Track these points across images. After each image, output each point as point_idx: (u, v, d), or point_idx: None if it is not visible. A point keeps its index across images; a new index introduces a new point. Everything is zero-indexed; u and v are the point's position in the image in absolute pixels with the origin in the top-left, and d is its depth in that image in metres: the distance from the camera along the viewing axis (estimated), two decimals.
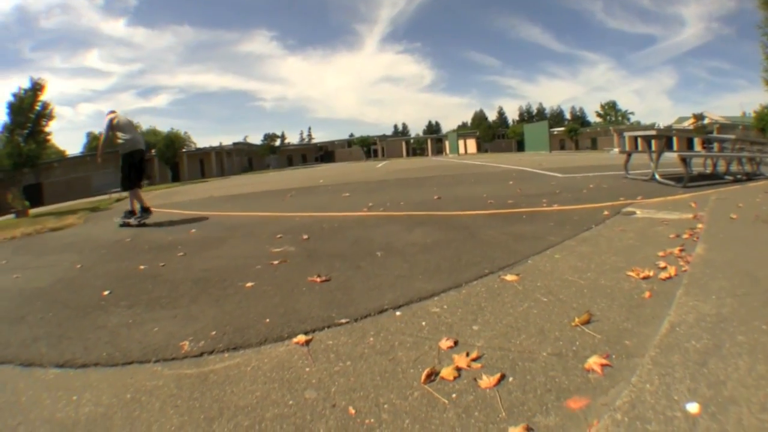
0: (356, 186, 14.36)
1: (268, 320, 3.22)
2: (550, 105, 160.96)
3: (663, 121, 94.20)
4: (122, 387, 2.54)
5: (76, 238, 9.75)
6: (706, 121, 67.77)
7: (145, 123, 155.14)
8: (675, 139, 69.33)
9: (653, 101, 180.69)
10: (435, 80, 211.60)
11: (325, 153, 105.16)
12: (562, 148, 77.88)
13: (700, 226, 4.62)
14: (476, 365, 2.05)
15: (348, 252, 5.19)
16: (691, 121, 69.96)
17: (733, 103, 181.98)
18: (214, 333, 3.10)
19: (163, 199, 19.39)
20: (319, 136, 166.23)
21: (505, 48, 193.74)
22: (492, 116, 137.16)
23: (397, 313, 3.08)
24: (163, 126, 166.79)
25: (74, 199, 40.02)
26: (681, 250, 3.67)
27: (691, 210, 5.74)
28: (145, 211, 11.02)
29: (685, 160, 9.43)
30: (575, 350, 2.16)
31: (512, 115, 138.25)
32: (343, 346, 2.66)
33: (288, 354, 2.66)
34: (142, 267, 5.53)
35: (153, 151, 68.68)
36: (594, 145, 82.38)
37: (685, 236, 4.25)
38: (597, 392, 1.84)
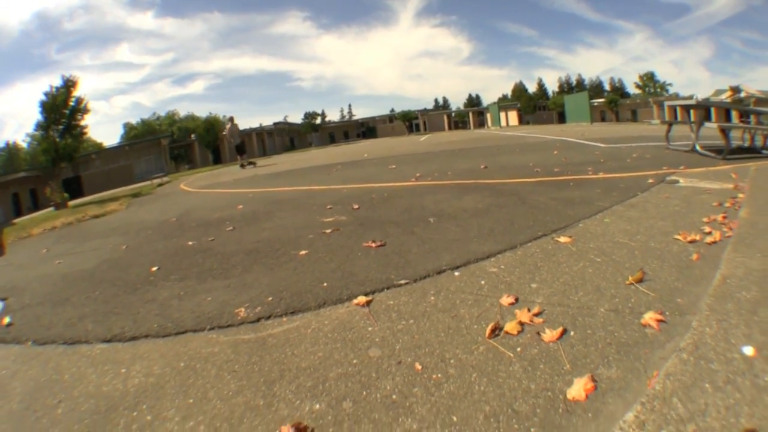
0: (402, 158, 14.30)
1: (325, 284, 3.26)
2: (588, 76, 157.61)
3: (701, 93, 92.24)
4: (175, 356, 2.59)
5: (120, 222, 9.87)
6: (742, 95, 66.46)
7: (183, 110, 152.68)
8: (713, 111, 68.01)
9: (691, 72, 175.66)
10: (473, 53, 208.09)
11: (367, 129, 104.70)
12: (603, 119, 76.66)
13: (741, 195, 4.55)
14: (538, 320, 2.10)
15: (400, 219, 5.19)
16: (728, 93, 68.37)
17: (767, 75, 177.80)
18: (270, 299, 3.14)
19: (207, 180, 19.74)
20: (360, 113, 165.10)
21: (541, 18, 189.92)
22: (532, 88, 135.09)
23: (456, 273, 3.07)
24: (202, 111, 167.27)
25: (115, 188, 40.23)
26: (724, 217, 3.65)
27: (732, 180, 5.61)
28: (244, 164, 21.60)
29: (724, 131, 9.28)
30: (631, 307, 2.20)
31: (552, 87, 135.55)
32: (405, 305, 2.67)
33: (349, 315, 2.68)
34: (190, 243, 5.64)
35: (192, 136, 69.66)
36: (634, 117, 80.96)
37: (727, 204, 4.21)
38: (654, 346, 1.87)
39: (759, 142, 11.56)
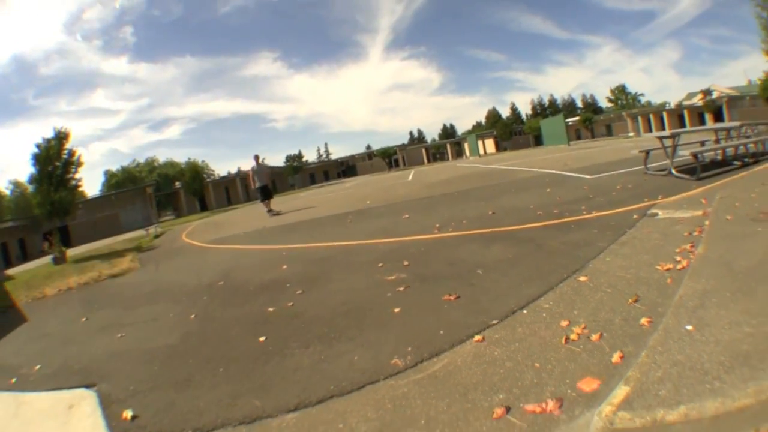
0: (407, 205, 14.92)
1: (441, 332, 4.11)
2: (560, 95, 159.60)
3: (672, 98, 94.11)
4: (376, 403, 3.18)
5: (152, 285, 10.04)
6: (714, 95, 67.93)
7: (160, 155, 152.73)
8: (687, 114, 69.94)
9: (661, 77, 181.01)
10: (444, 82, 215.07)
11: (346, 168, 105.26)
12: (578, 137, 78.13)
13: (707, 223, 5.98)
14: (585, 331, 3.50)
15: (453, 272, 5.96)
16: (700, 96, 70.12)
17: (737, 70, 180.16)
18: (409, 349, 3.88)
19: (211, 233, 19.92)
20: (336, 151, 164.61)
21: (508, 42, 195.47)
22: (505, 112, 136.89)
23: (524, 311, 4.21)
24: (179, 156, 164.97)
25: (103, 237, 40.47)
26: (692, 246, 5.07)
27: (701, 206, 7.06)
28: (272, 211, 20.17)
29: (696, 156, 10.77)
30: (633, 317, 3.63)
31: (525, 109, 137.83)
32: (506, 336, 3.77)
33: (476, 348, 3.67)
34: (270, 309, 5.90)
35: (177, 184, 69.66)
36: (609, 132, 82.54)
37: (695, 233, 5.60)
38: (648, 333, 3.24)
39: (730, 152, 13.18)
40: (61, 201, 22.13)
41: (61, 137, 22.40)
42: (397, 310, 4.94)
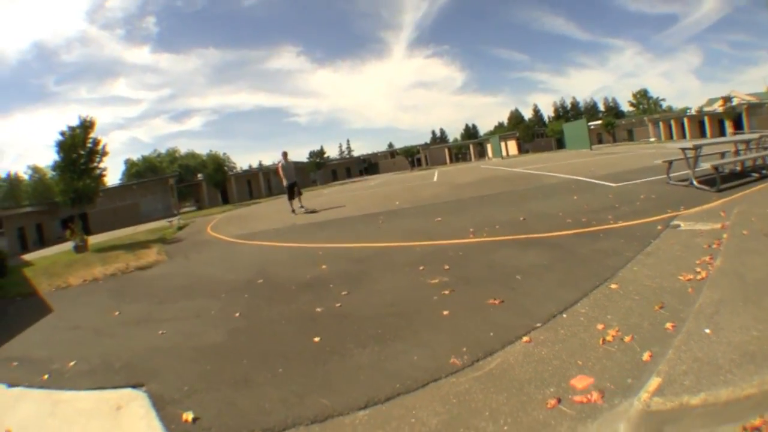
0: (437, 207, 15.14)
1: (491, 333, 4.43)
2: (582, 97, 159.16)
3: (693, 103, 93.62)
4: (445, 398, 3.45)
5: (184, 279, 10.15)
6: (735, 102, 67.74)
7: (181, 146, 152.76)
8: (707, 121, 69.74)
9: (682, 82, 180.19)
10: (467, 81, 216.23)
11: (369, 165, 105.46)
12: (600, 141, 77.87)
13: (725, 236, 6.48)
14: (619, 333, 4.00)
15: (493, 277, 6.31)
16: (720, 103, 69.95)
17: (757, 77, 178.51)
18: (464, 349, 4.16)
19: (238, 228, 19.89)
20: (357, 147, 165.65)
21: (531, 42, 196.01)
22: (528, 114, 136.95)
23: (564, 315, 4.61)
24: (200, 148, 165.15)
25: (122, 226, 40.96)
26: (711, 258, 5.60)
27: (720, 219, 7.56)
28: (303, 207, 20.04)
29: (716, 168, 11.20)
30: (659, 321, 4.15)
31: (547, 111, 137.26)
32: (550, 338, 4.16)
33: (525, 348, 4.06)
34: (318, 309, 6.04)
35: (200, 175, 69.66)
36: (630, 137, 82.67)
37: (714, 245, 6.11)
38: (674, 335, 3.72)
39: (749, 164, 13.62)
40: (85, 189, 22.17)
41: (86, 126, 22.48)
42: (445, 312, 5.19)
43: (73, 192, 21.87)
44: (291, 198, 20.67)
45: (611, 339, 3.98)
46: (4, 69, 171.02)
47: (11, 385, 5.27)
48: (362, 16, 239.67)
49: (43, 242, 51.18)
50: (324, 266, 8.56)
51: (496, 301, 5.28)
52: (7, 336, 7.65)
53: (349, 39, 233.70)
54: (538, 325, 4.53)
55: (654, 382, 3.09)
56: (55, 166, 22.94)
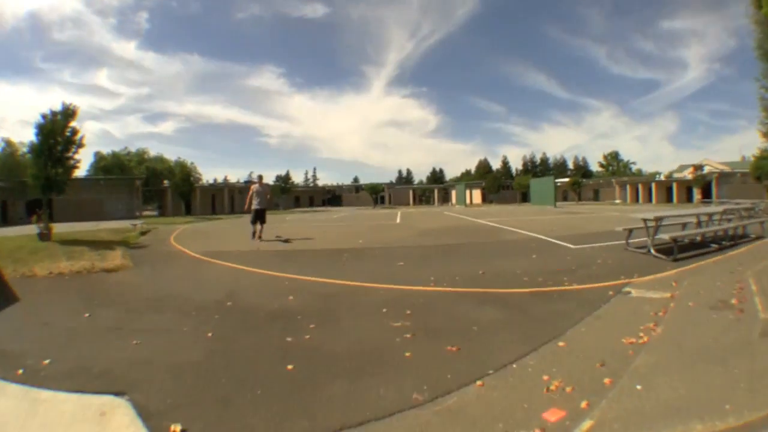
0: (400, 251, 15.52)
1: (449, 376, 4.83)
2: (553, 154, 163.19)
3: (664, 168, 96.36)
4: (405, 427, 3.87)
5: (152, 290, 10.23)
6: (705, 170, 69.80)
7: (152, 148, 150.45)
8: (675, 187, 71.80)
9: (655, 147, 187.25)
10: (440, 126, 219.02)
11: (333, 197, 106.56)
12: (565, 199, 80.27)
13: (672, 305, 7.20)
14: (562, 384, 4.50)
15: (452, 326, 6.68)
16: (691, 170, 72.15)
17: (733, 145, 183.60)
18: (425, 387, 4.59)
19: (202, 243, 20.03)
20: (323, 177, 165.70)
21: (510, 95, 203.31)
22: (496, 164, 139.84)
23: (514, 365, 5.10)
24: (170, 153, 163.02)
25: (84, 220, 40.84)
26: (655, 325, 6.25)
27: (671, 289, 8.29)
28: (260, 238, 19.54)
29: (675, 240, 12.07)
30: (599, 377, 4.66)
31: (516, 164, 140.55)
32: (501, 383, 4.67)
33: (478, 390, 4.53)
34: (288, 339, 6.28)
35: (166, 182, 69.56)
36: (596, 197, 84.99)
37: (660, 314, 6.79)
38: (608, 390, 4.28)
39: (710, 235, 14.45)
40: (57, 177, 22.04)
41: (68, 113, 22.37)
42: (408, 354, 5.57)
43: (45, 179, 21.79)
44: (254, 222, 20.25)
45: (554, 388, 4.46)
46: None
47: None
48: (348, 48, 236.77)
49: (6, 221, 50.55)
50: (291, 297, 8.80)
51: (454, 348, 5.69)
52: None
53: (331, 69, 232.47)
54: (491, 371, 4.97)
55: (586, 425, 3.67)
56: (32, 149, 22.78)
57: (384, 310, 7.64)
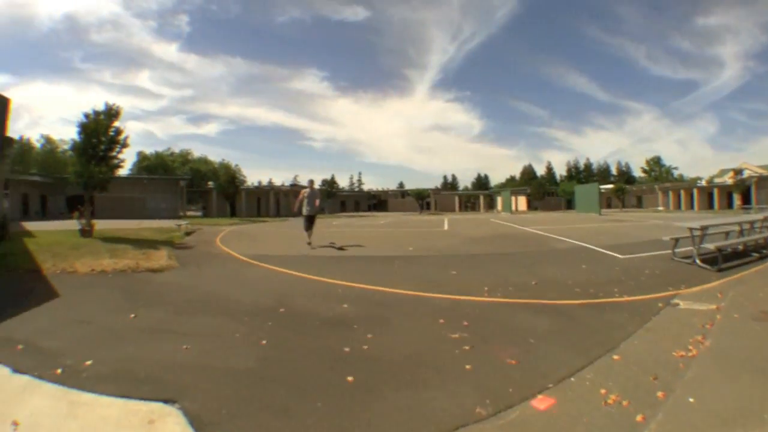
0: (452, 260, 15.16)
1: (511, 389, 4.78)
2: (596, 159, 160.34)
3: (705, 172, 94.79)
4: None
5: (200, 293, 9.89)
6: (745, 174, 68.50)
7: (196, 149, 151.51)
8: (716, 193, 70.49)
9: (696, 150, 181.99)
10: (484, 130, 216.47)
11: (378, 202, 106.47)
12: (609, 206, 79.26)
13: (718, 317, 7.33)
14: (618, 398, 4.65)
15: (509, 338, 6.56)
16: (731, 175, 70.84)
17: None
18: (488, 401, 4.52)
19: (249, 246, 19.80)
20: (368, 181, 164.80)
21: (552, 98, 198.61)
22: (540, 170, 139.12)
23: (572, 379, 5.10)
24: (213, 155, 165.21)
25: (125, 218, 41.63)
26: (703, 338, 6.38)
27: (716, 301, 8.37)
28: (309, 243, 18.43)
29: (720, 250, 12.11)
30: (652, 390, 4.80)
31: (560, 169, 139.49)
32: (561, 396, 4.67)
33: (539, 404, 4.52)
34: (346, 349, 6.09)
35: (210, 183, 70.48)
36: (640, 203, 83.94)
37: (708, 326, 6.90)
38: (662, 403, 4.46)
39: (751, 244, 14.39)
40: (100, 176, 22.19)
41: (111, 113, 22.67)
42: (468, 366, 5.45)
43: (88, 176, 21.95)
44: (308, 229, 19.09)
45: (612, 402, 4.57)
46: (34, 32, 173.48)
47: (17, 370, 5.17)
48: (390, 51, 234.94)
49: (45, 214, 51.72)
50: (345, 305, 8.51)
51: (513, 361, 5.63)
52: (9, 312, 7.58)
53: (374, 72, 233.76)
54: (550, 385, 4.94)
55: None
56: (74, 146, 23.15)
57: (441, 320, 7.46)
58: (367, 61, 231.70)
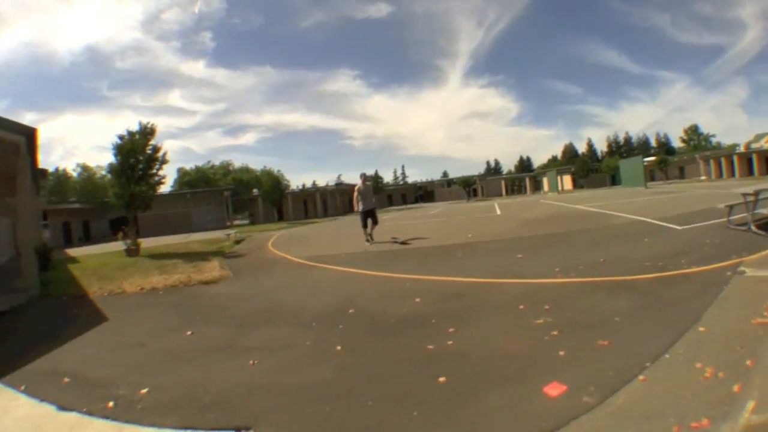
0: (514, 243, 14.94)
1: (611, 373, 4.58)
2: (635, 132, 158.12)
3: (741, 138, 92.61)
4: None
5: (260, 302, 9.45)
6: None
7: (236, 160, 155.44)
8: (755, 158, 68.81)
9: (730, 117, 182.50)
10: (521, 113, 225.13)
11: (425, 193, 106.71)
12: (652, 178, 78.07)
13: None
14: (714, 370, 4.71)
15: (594, 319, 6.33)
16: (767, 139, 69.23)
17: None
18: (592, 388, 4.33)
19: (303, 248, 19.32)
20: (411, 174, 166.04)
21: (585, 75, 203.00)
22: (581, 148, 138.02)
23: (666, 356, 4.94)
24: (254, 163, 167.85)
25: (172, 233, 42.18)
26: None
27: None
28: (370, 237, 18.01)
29: None
30: (741, 359, 4.83)
31: (600, 145, 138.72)
32: (660, 375, 4.54)
33: (642, 385, 4.43)
34: (430, 347, 5.70)
35: (255, 191, 71.86)
36: (682, 174, 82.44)
37: None
38: (752, 371, 4.56)
39: None
40: (141, 195, 22.78)
41: (146, 132, 23.06)
42: (561, 353, 5.16)
43: (129, 196, 22.35)
44: (365, 226, 18.40)
45: (709, 375, 4.54)
46: (55, 68, 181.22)
47: (62, 408, 4.74)
48: (419, 43, 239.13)
49: (88, 239, 53.45)
50: (417, 299, 8.10)
51: (606, 342, 5.38)
52: (54, 343, 7.11)
53: (405, 65, 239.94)
54: (648, 364, 4.72)
55: (749, 405, 3.95)
56: (111, 169, 23.48)
57: (520, 306, 7.14)
58: (397, 55, 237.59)
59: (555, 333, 5.84)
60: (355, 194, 18.52)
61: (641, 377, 4.52)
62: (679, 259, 9.55)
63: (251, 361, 5.67)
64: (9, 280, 14.10)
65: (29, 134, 13.31)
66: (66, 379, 5.53)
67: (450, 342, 5.81)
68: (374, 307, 7.98)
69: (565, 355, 5.15)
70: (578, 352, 5.23)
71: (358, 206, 18.43)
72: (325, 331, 6.69)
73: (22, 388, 5.29)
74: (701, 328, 5.88)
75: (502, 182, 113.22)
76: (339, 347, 5.94)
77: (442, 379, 4.71)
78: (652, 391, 4.27)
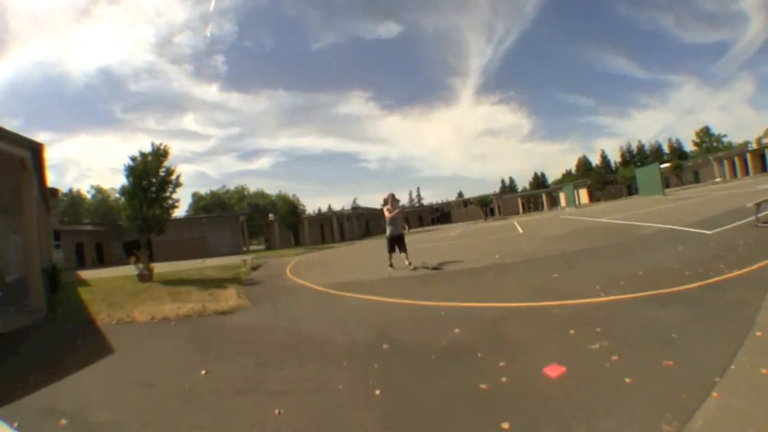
0: (545, 262, 14.09)
1: (684, 395, 4.34)
2: (647, 140, 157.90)
3: (751, 135, 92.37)
4: None
5: (282, 335, 8.64)
6: None
7: (250, 185, 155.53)
8: None
9: (738, 114, 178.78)
10: (533, 128, 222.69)
11: (441, 214, 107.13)
12: (668, 185, 76.96)
13: None
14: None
15: (650, 337, 6.02)
16: None
17: None
18: (669, 415, 4.06)
19: (323, 275, 18.09)
20: (427, 195, 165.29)
21: (594, 84, 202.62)
22: (594, 160, 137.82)
23: (732, 366, 4.79)
24: (269, 188, 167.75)
25: (186, 258, 41.46)
26: None
27: None
28: (409, 264, 16.32)
29: None
30: None
31: (613, 156, 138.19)
32: (732, 389, 4.38)
33: (717, 402, 4.20)
34: (483, 386, 5.07)
35: (271, 215, 71.88)
36: (696, 178, 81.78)
37: None
38: None
39: None
40: (154, 218, 21.72)
41: (159, 153, 22.10)
42: (628, 380, 4.79)
43: (141, 219, 21.47)
44: (391, 251, 16.88)
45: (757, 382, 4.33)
46: (69, 89, 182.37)
47: None
48: (430, 62, 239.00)
49: (102, 261, 53.31)
50: (456, 330, 7.31)
51: (670, 362, 5.06)
52: (55, 374, 6.54)
53: (417, 86, 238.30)
54: (717, 379, 4.54)
55: None
56: (123, 191, 22.44)
57: (571, 331, 6.57)
58: (409, 75, 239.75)
59: (615, 358, 5.41)
60: (386, 213, 16.85)
61: (714, 394, 4.31)
62: (718, 264, 9.38)
63: (276, 411, 4.86)
64: (17, 299, 13.54)
65: (35, 149, 13.06)
66: (63, 421, 5.01)
67: (504, 379, 5.18)
68: (410, 340, 7.19)
69: (632, 382, 4.77)
70: (644, 376, 4.88)
71: (387, 231, 17.06)
72: (360, 371, 5.88)
73: (15, 425, 4.89)
74: (758, 333, 5.76)
75: (519, 200, 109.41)
76: (378, 391, 5.14)
77: (505, 425, 4.15)
78: (729, 407, 4.11)
